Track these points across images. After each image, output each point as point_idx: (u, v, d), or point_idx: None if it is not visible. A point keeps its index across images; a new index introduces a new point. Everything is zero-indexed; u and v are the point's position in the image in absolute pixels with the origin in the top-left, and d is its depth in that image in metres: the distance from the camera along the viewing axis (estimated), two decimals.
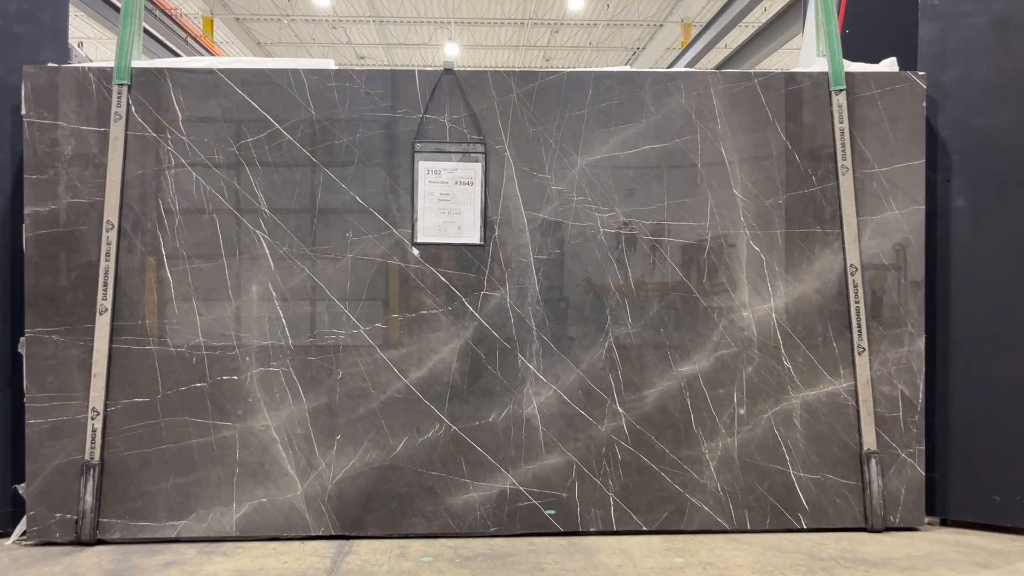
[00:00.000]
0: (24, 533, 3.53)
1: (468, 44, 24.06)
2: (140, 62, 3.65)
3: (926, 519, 3.78)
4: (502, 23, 22.17)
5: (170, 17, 15.59)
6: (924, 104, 3.76)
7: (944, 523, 3.87)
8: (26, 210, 3.54)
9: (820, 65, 3.84)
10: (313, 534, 3.60)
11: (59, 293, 3.55)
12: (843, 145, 3.73)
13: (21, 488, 3.56)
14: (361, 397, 3.66)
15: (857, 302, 3.71)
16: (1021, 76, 3.71)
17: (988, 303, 3.75)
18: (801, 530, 3.70)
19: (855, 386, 3.72)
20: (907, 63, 3.93)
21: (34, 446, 3.51)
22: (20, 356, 3.55)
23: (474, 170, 3.72)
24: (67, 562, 3.28)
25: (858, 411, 3.71)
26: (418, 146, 3.70)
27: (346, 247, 3.68)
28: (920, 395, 3.72)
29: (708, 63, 18.15)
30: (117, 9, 12.10)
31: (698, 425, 3.72)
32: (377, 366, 3.67)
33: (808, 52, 4.50)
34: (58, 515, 3.50)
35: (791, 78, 3.79)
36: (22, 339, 3.55)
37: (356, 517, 3.62)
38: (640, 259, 3.75)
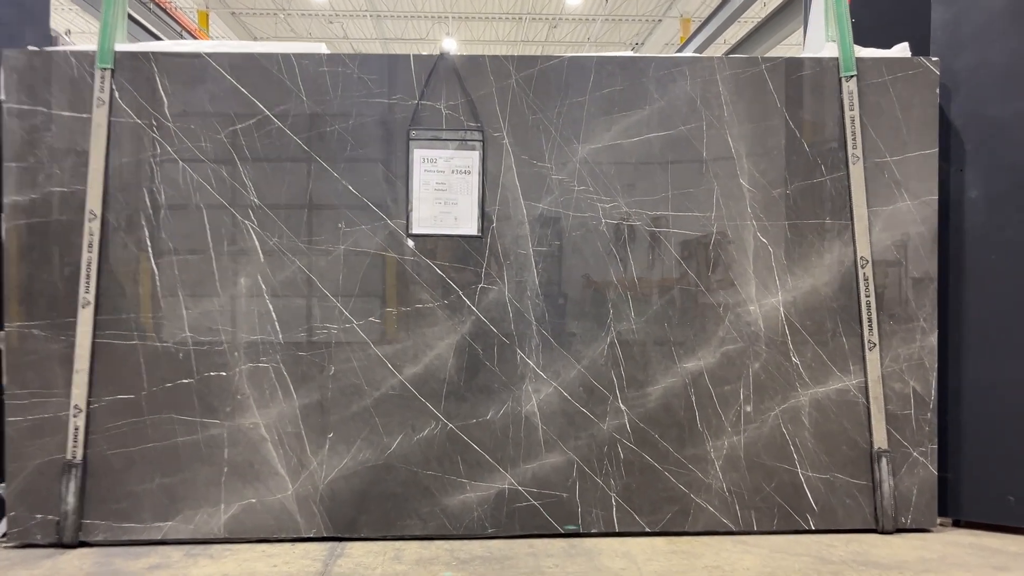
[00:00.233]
0: (4, 535, 3.42)
1: (466, 39, 23.97)
2: (124, 45, 3.52)
3: (938, 520, 3.67)
4: (500, 18, 22.10)
5: (164, 10, 15.42)
6: (937, 91, 3.64)
7: (957, 524, 3.76)
8: (5, 199, 3.42)
9: (830, 50, 3.71)
10: (304, 536, 3.48)
11: (40, 286, 3.42)
12: (853, 133, 3.60)
13: (1, 488, 3.44)
14: (354, 394, 3.53)
15: (868, 296, 3.59)
16: None
17: (1002, 297, 3.63)
18: (809, 532, 3.58)
19: (865, 383, 3.60)
20: (919, 49, 3.81)
21: (14, 445, 3.39)
22: None
23: (471, 158, 3.59)
24: (48, 565, 3.16)
25: (868, 409, 3.59)
26: (413, 133, 3.57)
27: (339, 239, 3.55)
28: (933, 392, 3.61)
29: None
30: None
31: (703, 423, 3.60)
32: (371, 362, 3.54)
33: (815, 38, 4.38)
34: (39, 516, 3.38)
35: (800, 64, 3.66)
36: (1, 333, 3.42)
37: (349, 518, 3.50)
38: (643, 251, 3.63)
